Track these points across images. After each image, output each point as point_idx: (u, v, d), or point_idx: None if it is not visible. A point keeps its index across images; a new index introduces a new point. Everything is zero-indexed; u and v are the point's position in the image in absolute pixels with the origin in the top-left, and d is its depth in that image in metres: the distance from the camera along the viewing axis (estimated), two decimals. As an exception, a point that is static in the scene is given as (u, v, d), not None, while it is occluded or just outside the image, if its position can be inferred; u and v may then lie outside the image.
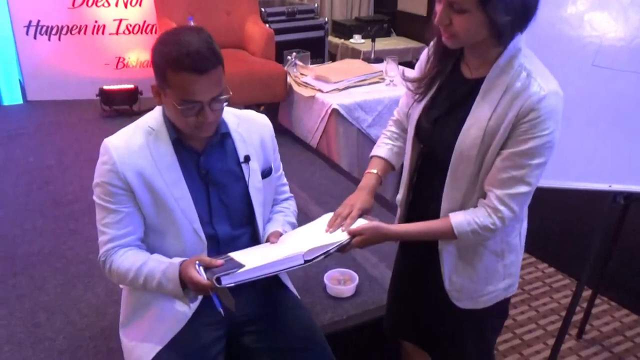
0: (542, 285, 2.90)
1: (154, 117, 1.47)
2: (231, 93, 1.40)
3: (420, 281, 1.54)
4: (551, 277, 2.97)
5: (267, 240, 1.51)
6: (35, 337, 1.94)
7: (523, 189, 1.27)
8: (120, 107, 4.03)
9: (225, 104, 1.40)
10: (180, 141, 1.44)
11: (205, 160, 1.47)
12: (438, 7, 1.23)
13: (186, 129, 1.40)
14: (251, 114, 1.61)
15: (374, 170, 1.55)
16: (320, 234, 1.43)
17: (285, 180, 1.73)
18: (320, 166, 3.25)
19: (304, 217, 1.75)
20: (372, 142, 3.29)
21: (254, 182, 1.53)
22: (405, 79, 1.47)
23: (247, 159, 1.51)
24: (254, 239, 1.57)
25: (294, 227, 1.63)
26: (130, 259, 1.42)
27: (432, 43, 1.39)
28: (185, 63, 1.28)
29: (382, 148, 1.59)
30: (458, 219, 1.32)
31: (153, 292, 1.45)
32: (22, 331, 1.97)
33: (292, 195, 1.76)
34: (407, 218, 1.53)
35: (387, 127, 1.63)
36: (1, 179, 3.13)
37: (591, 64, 1.82)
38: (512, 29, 1.20)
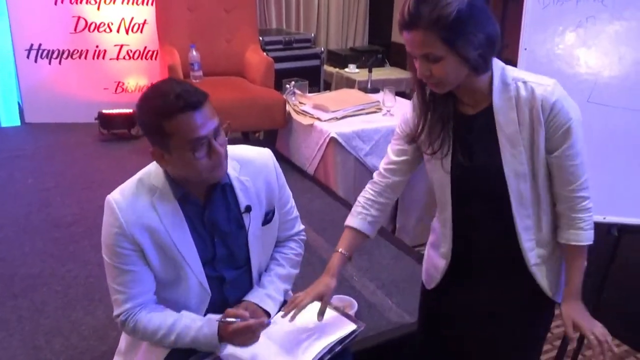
0: (535, 315, 2.93)
1: (156, 175, 1.44)
2: (228, 121, 1.42)
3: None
4: (544, 306, 3.00)
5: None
6: (35, 360, 1.95)
7: (585, 167, 1.38)
8: (118, 130, 4.06)
9: (227, 136, 1.40)
10: (185, 196, 1.44)
11: (210, 213, 1.48)
12: (416, 63, 1.31)
13: (202, 176, 1.38)
14: (252, 154, 1.58)
15: (340, 248, 1.57)
16: (317, 329, 1.52)
17: (295, 213, 1.70)
18: (317, 194, 3.29)
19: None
20: (369, 171, 3.35)
21: (254, 230, 1.54)
22: (405, 137, 1.51)
23: (248, 209, 1.51)
24: (250, 278, 1.61)
25: (283, 279, 1.65)
26: (159, 318, 1.46)
27: (414, 98, 1.45)
28: (178, 105, 1.28)
29: (355, 218, 1.58)
30: (580, 237, 1.41)
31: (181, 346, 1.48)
32: (22, 353, 1.97)
33: (302, 229, 1.75)
34: (452, 265, 1.55)
35: (362, 193, 1.62)
36: (0, 200, 3.14)
37: (587, 100, 1.90)
38: (484, 59, 1.29)
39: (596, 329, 1.40)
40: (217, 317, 1.49)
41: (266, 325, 1.51)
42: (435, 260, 1.59)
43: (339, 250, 1.57)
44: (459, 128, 1.42)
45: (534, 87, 1.32)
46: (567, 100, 1.34)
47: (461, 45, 1.24)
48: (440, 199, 1.50)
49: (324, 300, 1.51)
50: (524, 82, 1.33)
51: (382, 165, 1.59)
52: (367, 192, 1.60)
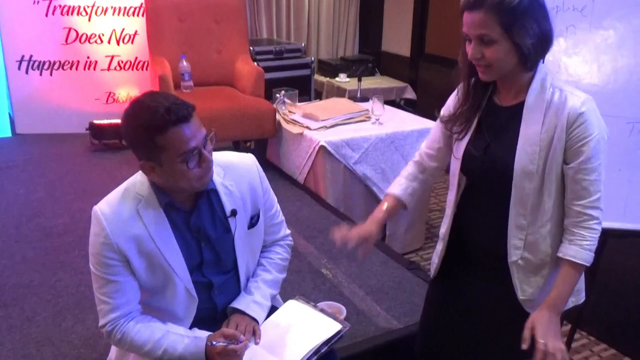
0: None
1: (141, 184, 1.46)
2: (213, 130, 1.45)
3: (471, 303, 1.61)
4: (532, 312, 3.03)
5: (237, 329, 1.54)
6: (26, 369, 1.95)
7: (600, 186, 1.40)
8: (110, 141, 4.07)
9: (212, 144, 1.43)
10: (171, 204, 1.46)
11: (196, 219, 1.50)
12: (468, 46, 1.38)
13: (192, 184, 1.41)
14: (235, 159, 1.61)
15: (384, 205, 1.68)
16: (303, 331, 1.55)
17: (280, 217, 1.73)
18: (307, 202, 3.31)
19: (292, 252, 1.83)
20: (358, 179, 3.37)
21: (240, 233, 1.57)
22: (442, 119, 1.59)
23: (233, 213, 1.53)
24: (238, 282, 1.63)
25: (270, 284, 1.67)
26: (146, 332, 1.46)
27: (460, 85, 1.53)
28: (170, 120, 1.30)
29: (396, 186, 1.70)
30: (576, 253, 1.40)
31: None
32: (12, 363, 1.98)
33: (288, 234, 1.77)
34: (448, 250, 1.64)
35: (405, 168, 1.73)
36: (-9, 211, 3.14)
37: (568, 107, 1.93)
38: (536, 53, 1.36)
39: (552, 342, 1.33)
40: (204, 333, 1.50)
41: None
42: (437, 246, 1.69)
43: (383, 206, 1.68)
44: (487, 118, 1.49)
45: (567, 96, 1.37)
46: (595, 116, 1.37)
47: (516, 33, 1.32)
48: (451, 181, 1.59)
49: (369, 241, 1.62)
50: (560, 90, 1.39)
51: (422, 147, 1.70)
52: (410, 166, 1.71)
